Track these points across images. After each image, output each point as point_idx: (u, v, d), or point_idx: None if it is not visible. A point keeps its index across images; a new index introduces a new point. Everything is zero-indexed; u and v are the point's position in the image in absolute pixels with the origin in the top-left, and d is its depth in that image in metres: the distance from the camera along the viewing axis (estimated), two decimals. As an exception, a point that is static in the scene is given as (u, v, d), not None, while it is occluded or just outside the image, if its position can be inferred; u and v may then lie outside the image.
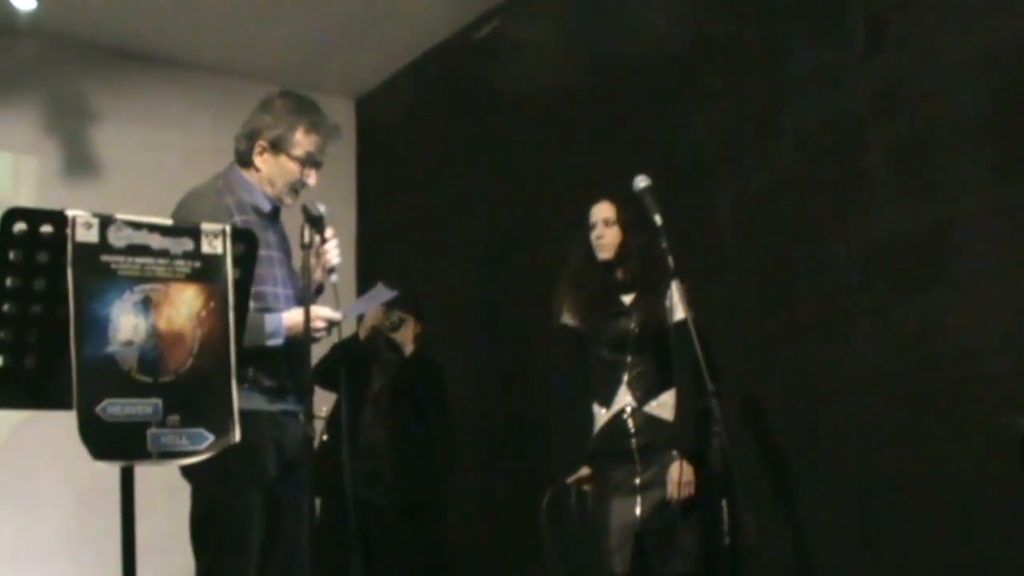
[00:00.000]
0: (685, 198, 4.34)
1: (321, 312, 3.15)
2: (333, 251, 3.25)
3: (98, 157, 5.93)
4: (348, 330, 4.40)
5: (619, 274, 3.98)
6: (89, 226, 1.99)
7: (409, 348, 5.18)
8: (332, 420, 5.15)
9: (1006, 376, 3.39)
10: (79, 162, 5.88)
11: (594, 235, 3.97)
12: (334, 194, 6.44)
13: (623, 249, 3.93)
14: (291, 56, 6.18)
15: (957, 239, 3.58)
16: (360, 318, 5.08)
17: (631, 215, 3.89)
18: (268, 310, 3.15)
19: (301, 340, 3.10)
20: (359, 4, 5.70)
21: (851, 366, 3.87)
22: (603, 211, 3.98)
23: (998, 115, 3.49)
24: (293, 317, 3.14)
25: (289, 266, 3.38)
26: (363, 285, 6.26)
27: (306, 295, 3.10)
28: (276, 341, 3.13)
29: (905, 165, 3.76)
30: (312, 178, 3.35)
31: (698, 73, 4.60)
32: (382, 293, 3.35)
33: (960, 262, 3.57)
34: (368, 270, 6.58)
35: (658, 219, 3.47)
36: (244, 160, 3.34)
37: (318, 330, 3.13)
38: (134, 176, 5.79)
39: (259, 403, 3.08)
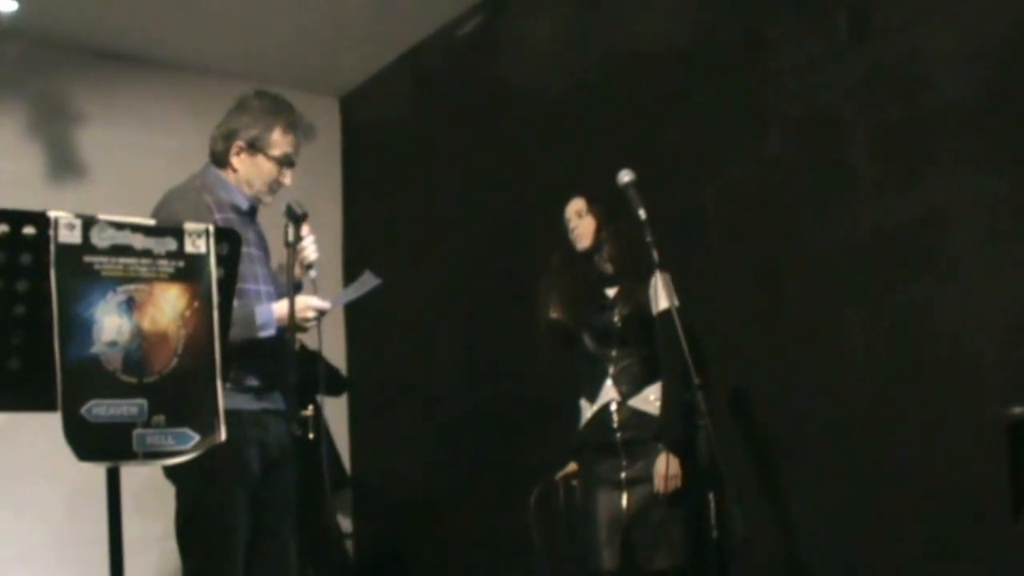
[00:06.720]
0: (670, 192, 4.34)
1: (311, 302, 3.18)
2: (310, 247, 3.27)
3: (82, 158, 5.91)
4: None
5: (599, 263, 4.01)
6: (72, 227, 1.98)
7: None
8: (317, 420, 5.15)
9: (992, 365, 3.40)
10: (62, 164, 5.85)
11: (570, 229, 4.03)
12: (320, 192, 6.48)
13: (599, 236, 3.98)
14: (276, 55, 6.17)
15: (943, 230, 3.59)
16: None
17: (604, 205, 3.95)
18: (249, 308, 3.16)
19: (292, 329, 3.10)
20: (343, 3, 5.69)
21: (838, 357, 3.88)
22: (575, 206, 4.06)
23: (983, 105, 3.50)
24: (283, 308, 3.15)
25: (268, 264, 3.39)
26: (349, 282, 6.26)
27: (289, 291, 3.11)
28: (268, 332, 3.15)
29: (890, 156, 3.77)
30: (288, 178, 3.37)
31: (683, 67, 4.60)
32: (369, 281, 3.35)
33: (946, 252, 3.58)
34: (354, 267, 6.57)
35: (642, 213, 3.47)
36: (220, 161, 3.35)
37: (308, 320, 3.16)
38: (118, 177, 5.77)
39: (241, 402, 3.08)
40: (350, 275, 6.47)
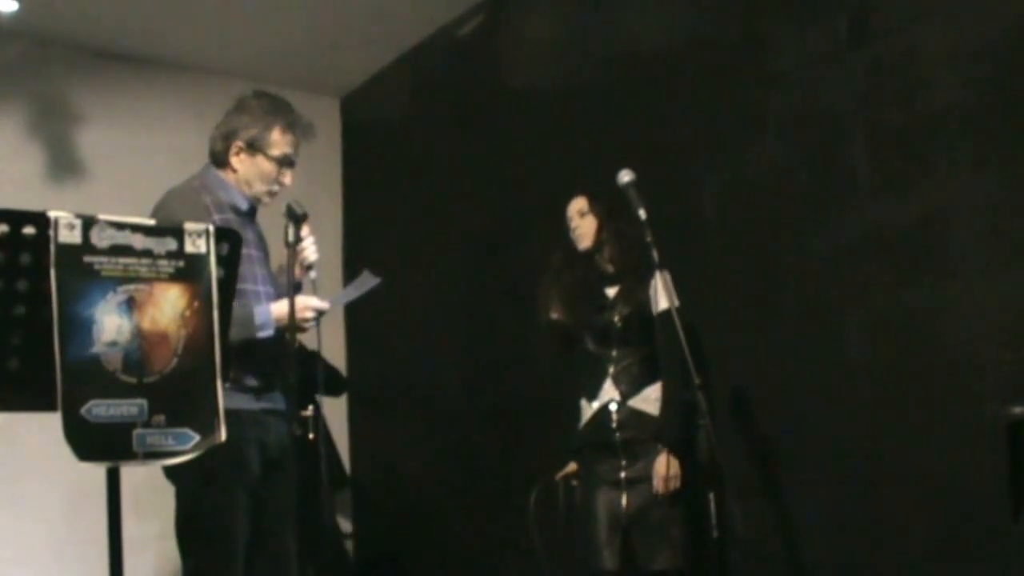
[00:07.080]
0: (670, 192, 4.34)
1: (310, 302, 3.17)
2: (310, 248, 3.26)
3: (82, 158, 5.91)
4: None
5: (600, 262, 4.01)
6: (72, 227, 1.98)
7: None
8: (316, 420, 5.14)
9: (992, 365, 3.40)
10: (62, 164, 5.85)
11: (571, 228, 4.03)
12: (320, 192, 6.47)
13: (600, 236, 3.99)
14: (276, 56, 6.16)
15: (942, 230, 3.58)
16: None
17: (605, 204, 3.95)
18: (249, 309, 3.15)
19: (292, 329, 3.10)
20: (344, 3, 5.69)
21: (837, 357, 3.88)
22: (576, 205, 4.06)
23: (981, 106, 3.50)
24: (282, 308, 3.15)
25: (267, 264, 3.38)
26: (349, 282, 6.25)
27: (289, 291, 3.11)
28: (267, 332, 3.14)
29: (889, 157, 3.77)
30: (288, 178, 3.37)
31: (682, 68, 4.60)
32: (368, 281, 3.35)
33: (945, 253, 3.58)
34: (354, 267, 6.56)
35: (642, 213, 3.47)
36: (220, 161, 3.34)
37: (307, 320, 3.16)
38: (119, 177, 5.76)
39: (241, 402, 3.08)
40: (350, 275, 6.46)
